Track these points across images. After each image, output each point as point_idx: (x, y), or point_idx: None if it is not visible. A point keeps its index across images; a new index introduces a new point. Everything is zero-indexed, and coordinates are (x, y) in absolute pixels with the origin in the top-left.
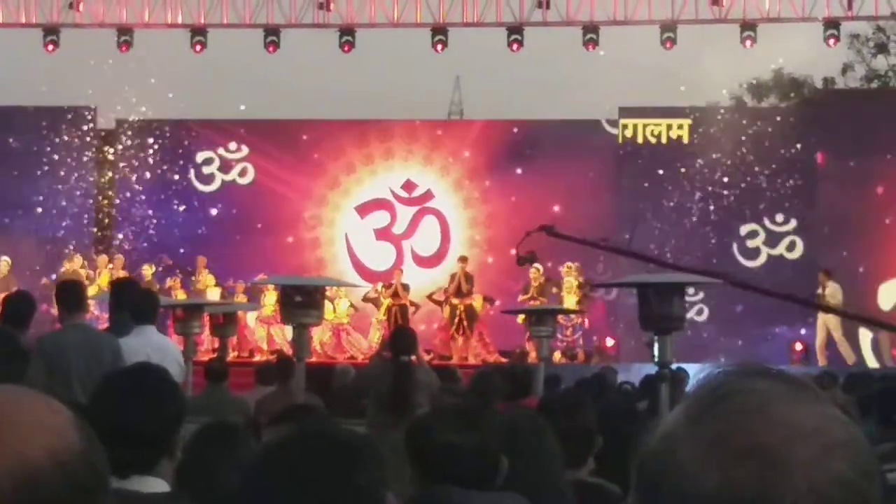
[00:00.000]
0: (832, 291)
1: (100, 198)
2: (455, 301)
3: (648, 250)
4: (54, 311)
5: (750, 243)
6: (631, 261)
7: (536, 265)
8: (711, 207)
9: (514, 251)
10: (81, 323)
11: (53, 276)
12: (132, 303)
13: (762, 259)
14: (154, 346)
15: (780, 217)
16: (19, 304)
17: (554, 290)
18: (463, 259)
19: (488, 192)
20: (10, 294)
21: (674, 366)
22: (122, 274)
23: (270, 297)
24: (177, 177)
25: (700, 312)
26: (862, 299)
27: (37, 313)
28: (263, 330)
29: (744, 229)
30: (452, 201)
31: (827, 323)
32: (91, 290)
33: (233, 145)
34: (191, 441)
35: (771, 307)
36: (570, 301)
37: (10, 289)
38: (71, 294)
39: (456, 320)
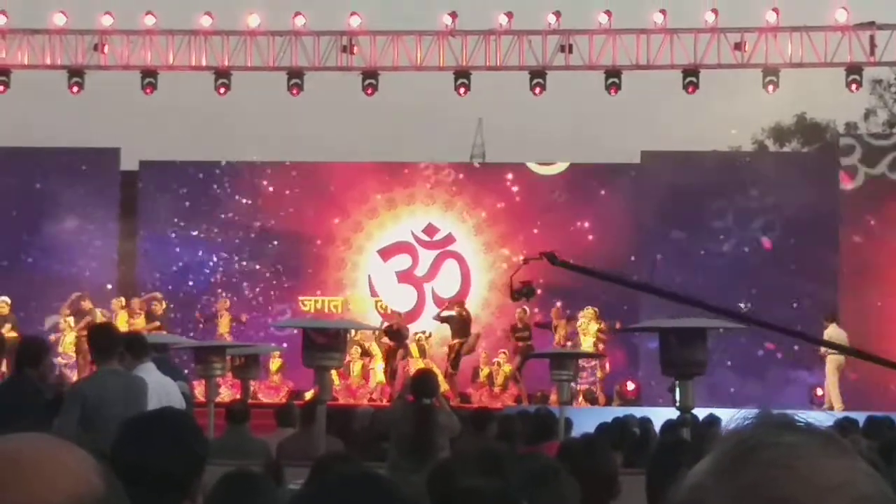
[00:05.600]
0: (834, 335)
1: (123, 240)
2: (454, 342)
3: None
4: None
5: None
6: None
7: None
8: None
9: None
10: (117, 368)
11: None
12: (128, 343)
13: None
14: (158, 383)
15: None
16: (26, 348)
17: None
18: (460, 304)
19: (508, 236)
20: (26, 337)
21: (705, 412)
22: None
23: None
24: (199, 219)
25: None
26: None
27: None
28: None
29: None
30: (473, 245)
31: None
32: None
33: (256, 188)
34: (213, 490)
35: (791, 351)
36: (586, 343)
37: (11, 329)
38: (104, 338)
39: (451, 356)
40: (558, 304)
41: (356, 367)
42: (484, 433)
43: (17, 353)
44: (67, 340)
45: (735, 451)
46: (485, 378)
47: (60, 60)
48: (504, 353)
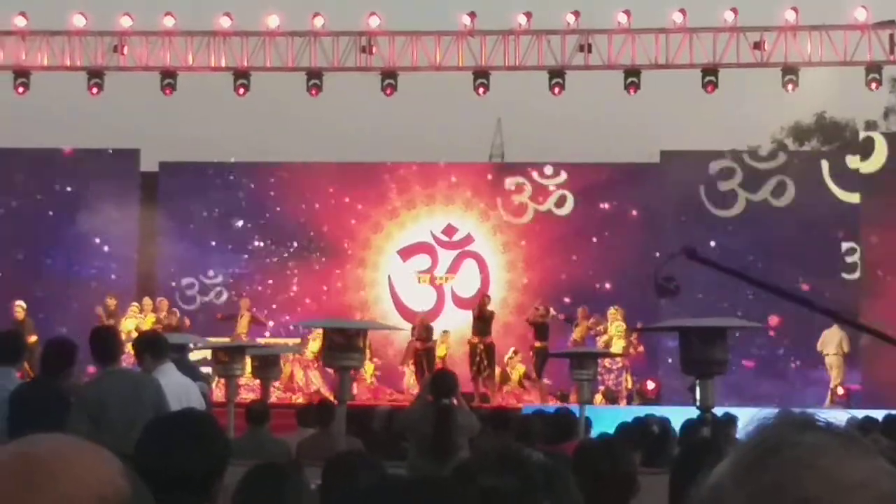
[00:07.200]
0: (830, 334)
1: (143, 241)
2: (475, 340)
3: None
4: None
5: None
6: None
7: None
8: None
9: (658, 278)
10: (119, 368)
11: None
12: (147, 344)
13: None
14: (178, 384)
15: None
16: (57, 350)
17: (600, 328)
18: (485, 297)
19: (527, 235)
20: (50, 340)
21: (722, 410)
22: (165, 316)
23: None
24: (218, 220)
25: None
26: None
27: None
28: (301, 372)
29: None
30: (491, 245)
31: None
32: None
33: (275, 188)
34: (241, 483)
35: (812, 350)
36: (618, 346)
37: (28, 334)
38: (104, 343)
39: (476, 359)
40: (584, 305)
41: (369, 368)
42: (503, 433)
43: (48, 355)
44: None
45: (756, 451)
46: (499, 377)
47: (80, 62)
48: (514, 350)
